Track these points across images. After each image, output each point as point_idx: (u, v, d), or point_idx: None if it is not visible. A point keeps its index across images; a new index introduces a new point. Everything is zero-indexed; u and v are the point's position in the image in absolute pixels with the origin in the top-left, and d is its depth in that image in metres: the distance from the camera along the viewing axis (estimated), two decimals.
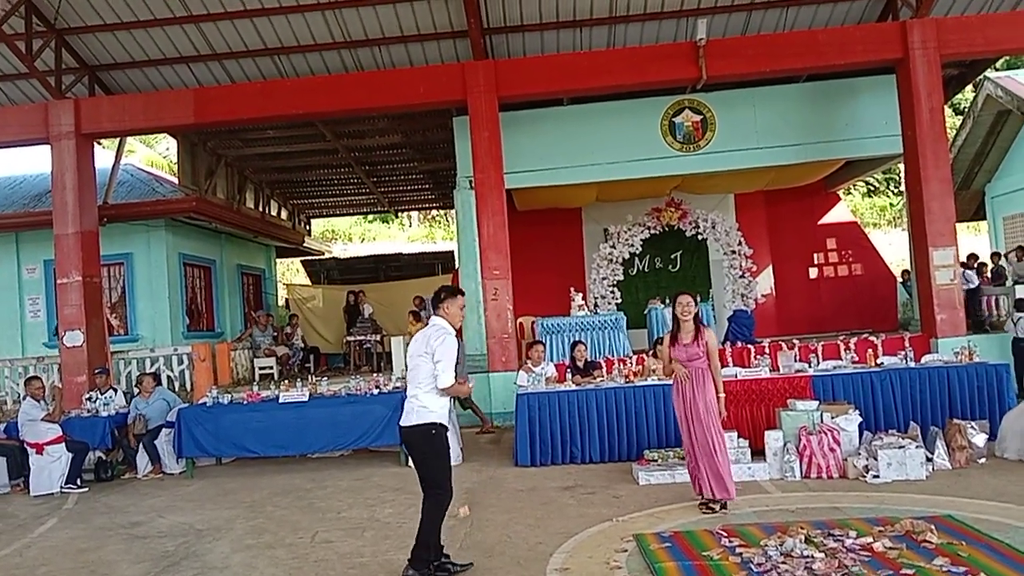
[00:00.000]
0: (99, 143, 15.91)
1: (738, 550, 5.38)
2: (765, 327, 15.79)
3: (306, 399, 9.72)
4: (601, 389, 9.10)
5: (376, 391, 9.85)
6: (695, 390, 6.66)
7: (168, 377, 13.15)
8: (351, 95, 12.49)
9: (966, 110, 18.75)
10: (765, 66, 12.10)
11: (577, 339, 11.11)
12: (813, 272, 17.57)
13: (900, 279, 17.10)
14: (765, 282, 17.10)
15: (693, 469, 6.75)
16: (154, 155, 27.85)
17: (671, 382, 7.01)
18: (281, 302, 20.47)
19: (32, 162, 16.77)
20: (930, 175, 11.75)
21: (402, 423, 5.43)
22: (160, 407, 10.34)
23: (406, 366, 5.70)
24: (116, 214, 14.00)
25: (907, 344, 9.73)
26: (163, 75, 13.53)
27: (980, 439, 7.75)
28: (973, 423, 7.83)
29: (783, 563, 5.06)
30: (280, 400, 9.76)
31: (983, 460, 7.70)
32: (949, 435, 7.71)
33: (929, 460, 7.50)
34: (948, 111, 27.95)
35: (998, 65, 18.32)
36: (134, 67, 13.29)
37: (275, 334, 15.73)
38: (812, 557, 5.10)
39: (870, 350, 9.54)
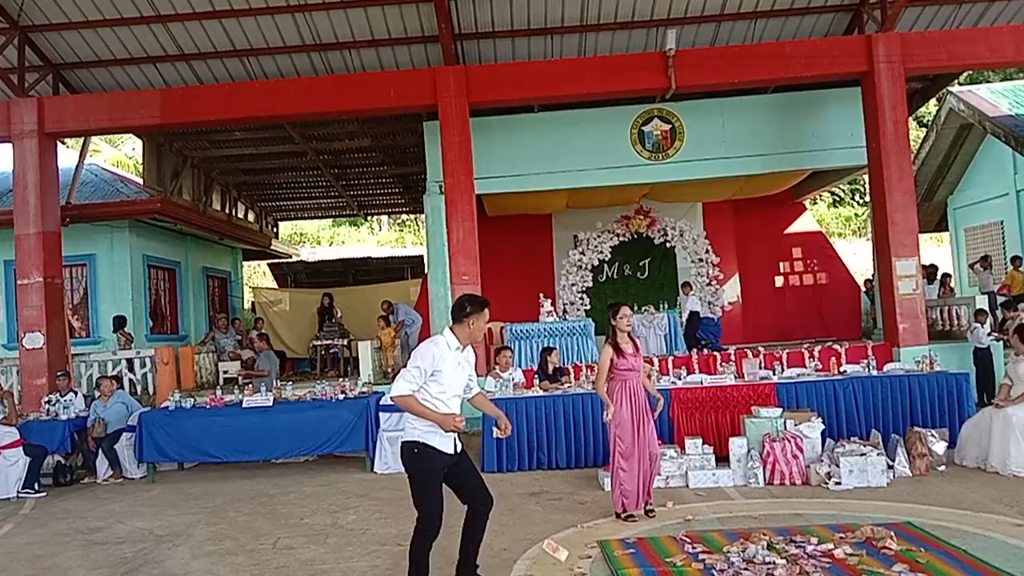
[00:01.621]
0: (63, 142, 15.67)
1: (701, 556, 5.41)
2: (731, 335, 15.95)
3: (270, 404, 9.62)
4: (568, 395, 9.10)
5: (343, 396, 9.79)
6: (640, 398, 6.68)
7: (131, 380, 12.92)
8: (320, 98, 12.41)
9: (929, 123, 19.11)
10: (733, 77, 12.23)
11: (548, 345, 11.11)
12: (779, 280, 17.76)
13: (864, 288, 17.35)
14: (732, 290, 17.27)
15: (626, 481, 6.60)
16: (120, 155, 27.46)
17: (599, 393, 6.78)
18: (247, 305, 20.21)
19: None
20: (894, 187, 11.94)
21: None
22: (119, 411, 10.18)
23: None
24: (79, 214, 13.76)
25: (870, 352, 9.87)
26: (129, 75, 13.36)
27: (940, 447, 7.85)
28: (933, 431, 7.94)
29: (745, 570, 5.09)
30: (244, 405, 9.66)
31: (943, 468, 7.81)
32: (910, 443, 7.81)
33: (890, 467, 7.59)
34: (912, 123, 28.45)
35: (961, 79, 18.70)
36: (100, 66, 13.11)
37: (239, 338, 15.54)
38: (774, 563, 5.14)
39: (834, 358, 9.64)
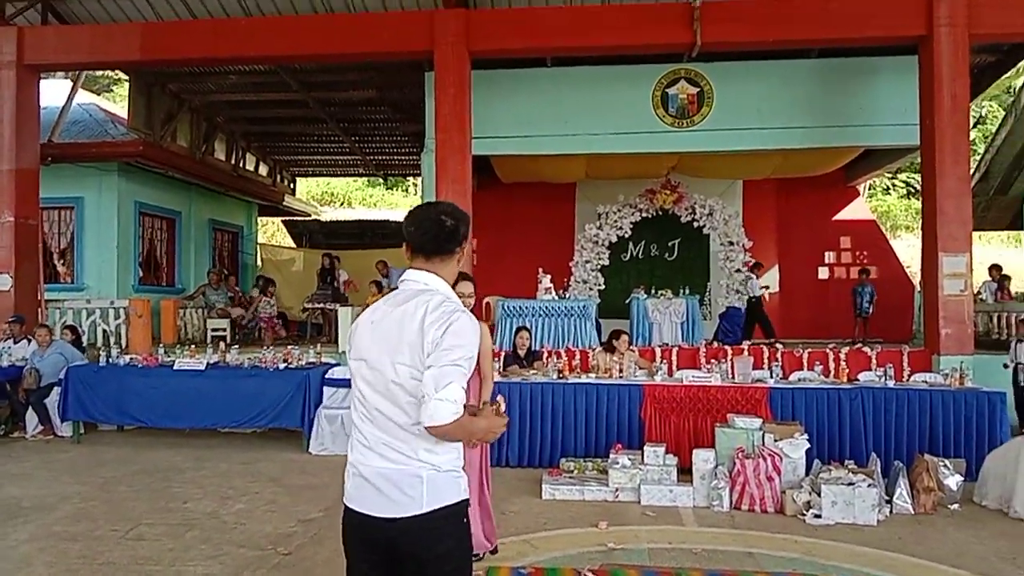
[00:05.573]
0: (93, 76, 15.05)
1: None
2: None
3: (203, 368, 8.70)
4: (527, 383, 7.94)
5: (282, 365, 8.81)
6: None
7: (104, 331, 12.21)
8: (310, 39, 11.33)
9: (1008, 105, 17.08)
10: (768, 35, 10.66)
11: (522, 325, 9.94)
12: (823, 272, 16.16)
13: (918, 287, 15.61)
14: (770, 279, 15.74)
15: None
16: None
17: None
18: (259, 263, 19.42)
19: None
20: (947, 170, 10.28)
21: (394, 513, 2.34)
22: (55, 362, 9.39)
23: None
24: (60, 154, 12.99)
25: (904, 359, 8.46)
26: (120, 6, 12.46)
27: (953, 480, 6.42)
28: (947, 461, 6.51)
29: None
30: (175, 367, 8.76)
31: (956, 506, 6.38)
32: (915, 473, 6.41)
33: (888, 502, 6.23)
34: (992, 106, 26.02)
35: None
36: None
37: (231, 295, 14.73)
38: None
39: (843, 363, 8.23)
